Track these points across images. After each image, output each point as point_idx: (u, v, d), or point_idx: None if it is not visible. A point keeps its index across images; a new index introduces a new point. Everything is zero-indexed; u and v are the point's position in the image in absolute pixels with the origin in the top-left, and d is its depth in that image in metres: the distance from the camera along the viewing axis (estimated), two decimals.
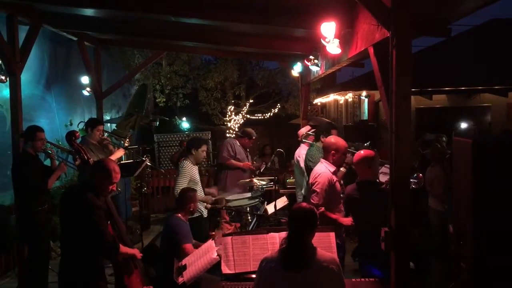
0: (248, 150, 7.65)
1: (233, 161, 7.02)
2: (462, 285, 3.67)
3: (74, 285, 3.52)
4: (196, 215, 5.55)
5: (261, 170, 7.43)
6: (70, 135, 4.22)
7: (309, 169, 5.55)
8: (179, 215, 4.70)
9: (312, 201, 4.46)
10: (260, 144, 10.67)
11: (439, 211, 6.22)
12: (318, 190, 4.48)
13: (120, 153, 6.41)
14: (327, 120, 13.29)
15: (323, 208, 4.35)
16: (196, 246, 4.62)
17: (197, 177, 5.78)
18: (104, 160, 3.90)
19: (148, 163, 7.08)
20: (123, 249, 3.66)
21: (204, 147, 5.85)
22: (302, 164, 6.64)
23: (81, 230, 3.44)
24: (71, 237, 3.54)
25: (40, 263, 5.23)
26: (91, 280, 3.51)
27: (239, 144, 7.29)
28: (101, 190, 3.59)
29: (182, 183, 5.53)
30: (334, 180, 4.56)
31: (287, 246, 2.85)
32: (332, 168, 4.60)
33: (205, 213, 5.78)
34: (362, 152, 4.38)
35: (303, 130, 6.95)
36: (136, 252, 3.85)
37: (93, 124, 6.41)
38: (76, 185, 3.91)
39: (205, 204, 5.74)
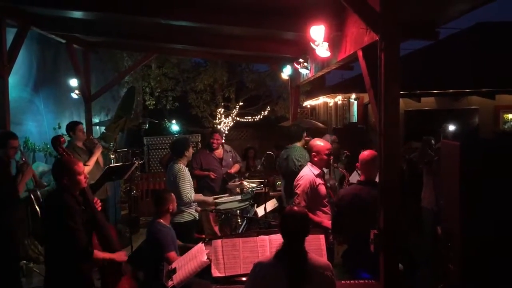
0: (233, 155, 7.40)
1: (198, 171, 6.89)
2: (450, 286, 3.70)
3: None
4: (188, 218, 5.53)
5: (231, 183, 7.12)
6: (55, 140, 4.19)
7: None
8: (161, 220, 4.63)
9: (294, 203, 4.51)
10: (250, 146, 10.63)
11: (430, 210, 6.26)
12: (299, 192, 4.55)
13: (98, 150, 6.43)
14: (316, 123, 13.33)
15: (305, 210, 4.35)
16: (184, 249, 4.61)
17: (191, 178, 5.76)
18: (59, 158, 3.86)
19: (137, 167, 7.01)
20: (100, 254, 3.55)
21: (190, 146, 5.85)
22: None
23: (58, 233, 3.40)
24: (51, 240, 3.51)
25: (12, 271, 5.05)
26: (72, 283, 3.46)
27: (208, 152, 7.05)
28: (73, 186, 3.53)
29: (187, 187, 5.47)
30: (317, 183, 4.58)
31: (284, 255, 2.83)
32: (316, 171, 4.63)
33: (197, 216, 5.74)
34: (366, 152, 4.31)
35: None
36: (116, 256, 3.71)
37: (73, 126, 6.36)
38: (55, 189, 3.89)
39: (196, 207, 5.71)
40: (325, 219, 4.57)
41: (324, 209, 4.66)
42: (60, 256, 3.45)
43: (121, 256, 3.77)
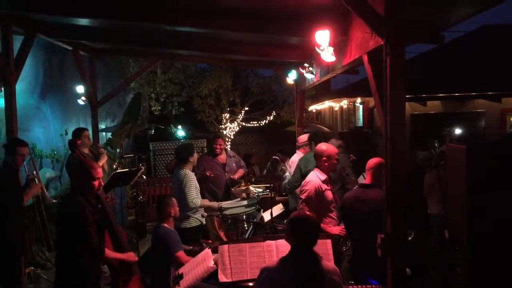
0: (236, 160, 7.34)
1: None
2: None
3: None
4: (195, 224, 5.53)
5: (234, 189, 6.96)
6: (73, 143, 4.33)
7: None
8: (165, 224, 4.66)
9: (298, 208, 4.52)
10: (255, 151, 10.61)
11: (437, 216, 6.24)
12: (303, 197, 4.53)
13: (104, 158, 6.52)
14: (321, 127, 13.32)
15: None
16: (190, 252, 4.62)
17: (197, 184, 5.76)
18: (80, 161, 3.99)
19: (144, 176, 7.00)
20: (111, 254, 3.69)
21: (195, 151, 5.86)
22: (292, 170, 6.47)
23: (71, 233, 3.50)
24: (64, 243, 3.58)
25: (14, 279, 5.04)
26: (81, 284, 3.52)
27: (211, 158, 6.95)
28: (88, 190, 3.63)
29: (193, 193, 5.50)
30: (323, 189, 4.54)
31: (291, 260, 2.82)
32: (323, 177, 4.59)
33: (204, 222, 5.74)
34: (374, 159, 4.34)
35: (305, 137, 6.79)
36: (126, 256, 3.84)
37: (78, 133, 6.37)
38: (68, 193, 3.99)
39: (203, 212, 5.71)
40: (331, 225, 4.56)
41: (331, 214, 4.64)
42: (71, 260, 3.50)
43: (130, 256, 3.87)
